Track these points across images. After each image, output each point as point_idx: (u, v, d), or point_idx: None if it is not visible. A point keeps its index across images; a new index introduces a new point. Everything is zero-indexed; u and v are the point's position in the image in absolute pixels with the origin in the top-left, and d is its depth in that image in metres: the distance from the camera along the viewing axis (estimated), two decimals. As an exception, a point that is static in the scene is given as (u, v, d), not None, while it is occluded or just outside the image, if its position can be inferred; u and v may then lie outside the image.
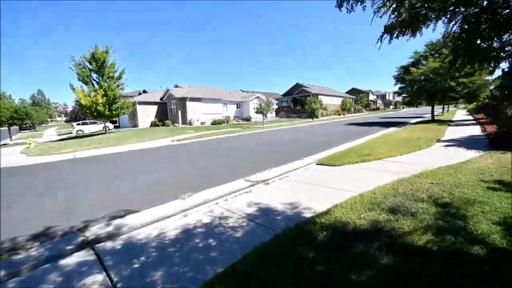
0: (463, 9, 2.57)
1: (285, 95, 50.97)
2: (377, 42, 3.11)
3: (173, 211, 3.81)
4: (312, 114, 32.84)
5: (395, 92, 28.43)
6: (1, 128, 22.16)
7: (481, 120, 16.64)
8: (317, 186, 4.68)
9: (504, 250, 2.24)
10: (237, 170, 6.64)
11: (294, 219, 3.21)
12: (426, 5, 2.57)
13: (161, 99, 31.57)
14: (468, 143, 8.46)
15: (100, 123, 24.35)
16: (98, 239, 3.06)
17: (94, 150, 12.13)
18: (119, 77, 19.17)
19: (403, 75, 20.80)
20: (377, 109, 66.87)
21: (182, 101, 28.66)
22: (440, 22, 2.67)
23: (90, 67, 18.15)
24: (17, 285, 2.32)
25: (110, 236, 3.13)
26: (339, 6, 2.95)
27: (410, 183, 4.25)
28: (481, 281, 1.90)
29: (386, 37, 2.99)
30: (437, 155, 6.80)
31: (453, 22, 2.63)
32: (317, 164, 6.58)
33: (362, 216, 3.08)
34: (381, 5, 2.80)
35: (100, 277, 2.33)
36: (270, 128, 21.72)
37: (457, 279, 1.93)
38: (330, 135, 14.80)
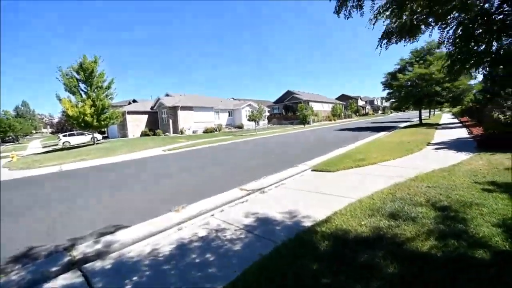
0: (460, 15, 2.65)
1: (276, 102, 51.48)
2: (377, 47, 3.18)
3: (166, 224, 3.63)
4: (303, 121, 33.25)
5: (383, 98, 29.16)
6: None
7: (466, 123, 17.21)
8: (314, 193, 4.61)
9: (507, 253, 2.23)
10: (232, 177, 6.59)
11: (293, 229, 3.11)
12: (425, 10, 2.63)
13: (151, 108, 31.18)
14: (457, 145, 8.68)
15: (88, 134, 23.68)
16: (86, 259, 2.85)
17: (81, 162, 11.70)
18: (108, 87, 18.81)
19: (391, 81, 21.46)
20: (366, 114, 68.45)
21: (173, 110, 28.41)
22: (435, 27, 2.75)
23: (78, 77, 17.73)
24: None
25: (99, 255, 2.93)
26: (337, 12, 2.99)
27: (406, 187, 4.25)
28: (486, 285, 1.90)
29: (383, 42, 3.04)
30: (429, 158, 6.91)
31: (448, 28, 2.70)
32: (312, 170, 6.54)
33: (363, 223, 3.02)
34: (382, 10, 2.85)
35: (88, 301, 2.15)
36: (263, 135, 21.73)
37: (462, 283, 1.92)
38: (323, 141, 14.93)
